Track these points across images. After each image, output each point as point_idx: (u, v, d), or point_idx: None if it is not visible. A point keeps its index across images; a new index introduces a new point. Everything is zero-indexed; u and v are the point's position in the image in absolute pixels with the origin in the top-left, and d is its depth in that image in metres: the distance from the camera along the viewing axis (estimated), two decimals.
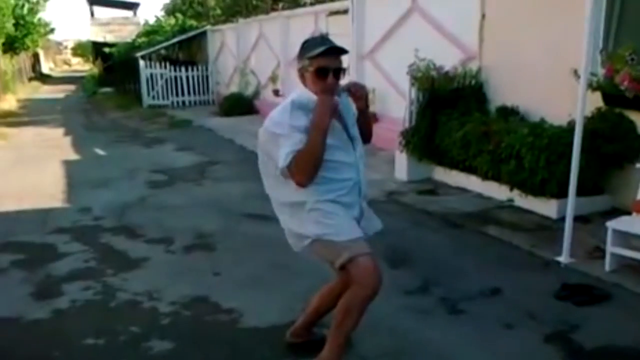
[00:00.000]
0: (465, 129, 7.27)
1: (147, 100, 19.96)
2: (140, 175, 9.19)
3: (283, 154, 2.84)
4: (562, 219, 5.35)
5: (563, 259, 5.07)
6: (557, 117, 6.49)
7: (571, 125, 5.80)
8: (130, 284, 4.83)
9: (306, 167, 2.84)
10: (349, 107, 3.14)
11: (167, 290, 4.67)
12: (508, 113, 7.49)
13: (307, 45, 3.00)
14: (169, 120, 16.54)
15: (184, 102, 20.34)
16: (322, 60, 2.90)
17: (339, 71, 2.95)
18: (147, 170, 9.49)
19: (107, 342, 3.89)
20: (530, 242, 5.58)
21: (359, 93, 3.06)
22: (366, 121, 3.27)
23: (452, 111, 7.77)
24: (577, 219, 5.36)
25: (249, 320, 4.11)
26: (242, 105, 17.00)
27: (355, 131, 3.14)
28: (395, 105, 10.11)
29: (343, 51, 2.98)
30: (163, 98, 20.13)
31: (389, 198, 7.38)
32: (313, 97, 2.92)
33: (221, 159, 10.39)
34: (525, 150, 6.22)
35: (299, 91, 3.03)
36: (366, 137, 3.28)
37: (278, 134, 2.88)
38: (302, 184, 2.89)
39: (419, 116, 8.02)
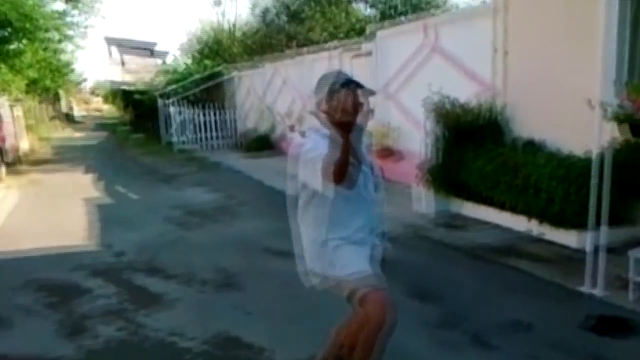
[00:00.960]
0: (481, 160, 7.15)
1: (177, 145, 20.10)
2: (174, 216, 9.12)
3: (314, 169, 2.87)
4: (583, 250, 5.18)
5: (586, 289, 4.90)
6: (574, 147, 6.35)
7: (588, 156, 5.67)
8: (162, 324, 4.73)
9: (336, 170, 2.77)
10: (363, 141, 3.11)
11: (199, 330, 4.55)
12: (524, 144, 7.36)
13: (324, 79, 3.00)
14: (200, 162, 16.60)
15: (212, 145, 20.43)
16: (340, 93, 2.90)
17: (356, 105, 2.93)
18: (180, 212, 9.42)
19: None
20: (552, 272, 5.43)
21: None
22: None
23: (468, 143, 7.66)
24: (599, 249, 5.19)
25: (279, 357, 4.01)
26: (268, 146, 17.11)
27: (375, 172, 3.13)
28: (419, 141, 10.03)
29: (360, 85, 2.96)
30: (193, 142, 20.25)
31: (407, 231, 7.24)
32: (325, 129, 2.95)
33: (250, 199, 10.34)
34: (543, 181, 6.08)
35: (317, 123, 3.06)
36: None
37: (306, 159, 2.92)
38: (337, 183, 2.83)
39: (442, 150, 7.90)
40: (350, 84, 2.93)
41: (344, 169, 2.76)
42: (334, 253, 3.00)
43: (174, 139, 20.10)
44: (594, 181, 4.80)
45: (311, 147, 2.91)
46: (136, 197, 11.37)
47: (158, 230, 8.06)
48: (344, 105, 2.86)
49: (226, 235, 7.67)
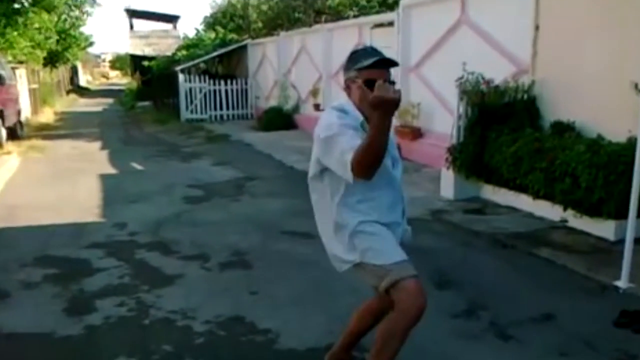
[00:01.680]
0: (516, 145, 7.17)
1: (185, 114, 20.28)
2: (177, 190, 9.31)
3: (342, 153, 2.78)
4: (620, 241, 5.22)
5: (622, 283, 4.93)
6: (616, 133, 6.35)
7: (631, 142, 5.67)
8: (164, 301, 4.88)
9: (369, 161, 2.69)
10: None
11: (202, 308, 4.70)
12: (563, 129, 7.36)
13: (355, 56, 2.99)
14: (207, 134, 16.76)
15: (222, 117, 20.61)
16: (372, 72, 2.88)
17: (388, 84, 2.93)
18: (184, 185, 9.61)
19: None
20: (585, 265, 5.45)
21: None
22: None
23: (503, 127, 7.67)
24: (637, 241, 5.22)
25: (286, 342, 4.11)
26: (281, 120, 17.14)
27: (394, 149, 3.13)
28: (441, 120, 10.05)
29: (393, 63, 2.96)
30: (201, 112, 20.44)
31: (434, 217, 7.30)
32: (352, 108, 2.97)
33: (259, 174, 10.46)
34: (582, 168, 6.10)
35: (342, 101, 3.05)
36: None
37: (331, 135, 2.85)
38: (363, 177, 2.77)
39: (468, 132, 7.95)
40: (383, 65, 2.91)
41: (379, 161, 2.70)
42: (364, 238, 2.99)
43: (195, 115, 20.25)
44: (638, 169, 4.80)
45: (338, 132, 2.84)
46: (149, 172, 11.52)
47: (173, 208, 8.21)
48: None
49: (241, 213, 7.79)
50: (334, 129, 2.85)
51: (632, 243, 4.92)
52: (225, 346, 4.10)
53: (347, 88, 3.02)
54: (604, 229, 6.13)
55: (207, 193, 9.10)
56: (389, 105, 2.58)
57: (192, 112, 20.41)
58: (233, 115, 20.76)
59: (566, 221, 6.56)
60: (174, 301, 4.87)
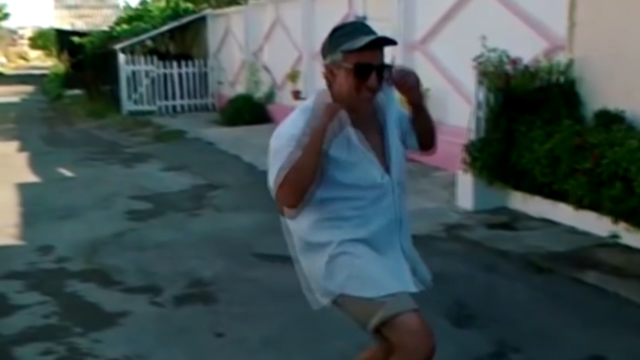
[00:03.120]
0: (552, 141, 7.18)
1: (127, 105, 20.19)
2: (118, 203, 9.25)
3: (274, 170, 2.88)
4: None
5: None
6: None
7: None
8: (104, 347, 4.80)
9: (287, 185, 2.83)
10: (394, 107, 3.14)
11: (153, 356, 4.64)
12: (610, 120, 7.38)
13: (340, 34, 2.91)
14: (156, 131, 16.70)
15: (175, 108, 20.54)
16: (364, 54, 2.83)
17: (383, 69, 2.90)
18: (127, 197, 9.55)
19: None
20: None
21: (405, 82, 2.99)
22: (425, 121, 3.22)
23: (534, 118, 7.68)
24: None
25: None
26: (251, 112, 17.10)
27: (396, 144, 3.11)
28: (456, 110, 10.06)
29: (391, 42, 2.93)
30: (148, 102, 20.35)
31: (449, 234, 7.29)
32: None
33: (224, 182, 10.42)
34: (636, 170, 6.11)
35: (320, 94, 3.03)
36: (428, 142, 3.28)
37: (277, 148, 2.91)
38: (285, 203, 2.91)
39: (490, 125, 7.95)
40: (379, 46, 2.89)
41: (301, 187, 2.83)
42: (346, 262, 2.96)
43: (140, 106, 20.15)
44: None
45: (285, 145, 2.89)
46: (81, 180, 11.44)
47: (112, 225, 8.15)
48: (367, 82, 2.84)
49: (202, 232, 7.77)
50: (281, 140, 2.91)
51: None
52: None
53: (331, 75, 2.95)
54: None
55: (157, 206, 9.04)
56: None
57: (136, 102, 20.33)
58: (189, 106, 20.70)
59: (617, 237, 6.58)
60: (116, 347, 4.80)
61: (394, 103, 3.14)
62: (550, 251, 6.56)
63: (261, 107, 17.45)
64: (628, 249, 6.45)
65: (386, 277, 2.93)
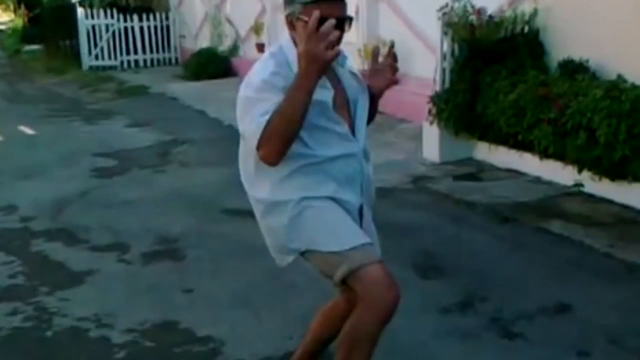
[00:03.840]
0: (517, 91, 7.22)
1: (88, 60, 19.90)
2: (82, 160, 9.18)
3: (253, 118, 2.80)
4: None
5: None
6: None
7: None
8: (71, 306, 4.81)
9: (275, 137, 2.76)
10: (354, 77, 3.12)
11: (122, 313, 4.66)
12: (574, 69, 7.43)
13: None
14: (118, 86, 16.50)
15: (137, 62, 20.27)
16: (322, 6, 2.72)
17: (344, 21, 2.81)
18: (91, 154, 9.47)
19: None
20: (607, 240, 5.57)
21: (385, 78, 3.07)
22: (374, 110, 3.23)
23: (500, 68, 7.70)
24: None
25: (232, 352, 4.10)
26: (215, 65, 16.92)
27: (360, 108, 3.09)
28: (422, 61, 10.04)
29: None
30: (109, 57, 20.07)
31: (416, 186, 7.34)
32: (294, 55, 2.83)
33: (190, 137, 10.36)
34: (600, 119, 6.18)
35: (284, 42, 2.99)
36: (371, 117, 3.24)
37: (249, 96, 2.85)
38: (269, 159, 2.85)
39: (455, 76, 7.97)
40: None
41: (289, 137, 2.78)
42: (310, 218, 2.95)
43: (101, 61, 19.85)
44: None
45: (258, 94, 2.82)
46: (43, 138, 11.31)
47: (77, 183, 8.09)
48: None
49: (169, 188, 7.75)
50: (253, 87, 2.84)
51: None
52: None
53: (291, 27, 2.92)
54: (628, 194, 6.26)
55: (121, 163, 8.99)
56: (318, 62, 2.66)
57: (97, 57, 20.01)
58: (152, 61, 20.44)
59: (582, 186, 6.67)
60: (84, 305, 4.80)
61: (355, 76, 3.14)
62: (516, 201, 6.64)
63: (225, 60, 17.28)
64: (592, 197, 6.55)
65: (350, 230, 2.95)
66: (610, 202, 6.39)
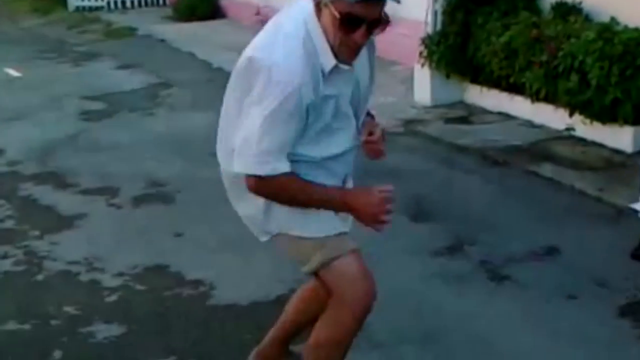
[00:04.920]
0: (509, 33, 7.18)
1: (74, 0, 19.63)
2: (70, 103, 9.09)
3: (264, 145, 2.48)
4: None
5: None
6: (633, 15, 6.41)
7: None
8: (62, 250, 4.84)
9: (273, 194, 2.63)
10: (366, 67, 2.81)
11: (112, 257, 4.69)
12: (567, 11, 7.39)
13: None
14: (106, 27, 16.28)
15: (124, 3, 19.99)
16: (358, 5, 2.37)
17: (376, 24, 2.46)
18: (79, 97, 9.38)
19: (34, 327, 3.93)
20: (597, 184, 5.61)
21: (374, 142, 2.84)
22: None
23: (492, 9, 7.65)
24: None
25: (223, 295, 4.15)
26: (205, 6, 16.69)
27: (363, 103, 2.82)
28: (414, 3, 9.93)
29: None
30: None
31: (406, 129, 7.34)
32: (322, 42, 2.48)
33: (179, 79, 10.26)
34: (592, 62, 6.16)
35: (311, 25, 2.52)
36: None
37: (270, 106, 2.44)
38: (253, 191, 2.65)
39: (447, 18, 7.91)
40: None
41: (291, 204, 2.69)
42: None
43: (88, 2, 19.54)
44: None
45: (278, 111, 2.44)
46: (29, 80, 11.21)
47: (65, 127, 8.04)
48: (353, 36, 2.42)
49: (158, 132, 7.73)
50: (276, 98, 2.42)
51: None
52: (145, 303, 4.13)
53: (317, 9, 2.49)
54: (619, 138, 6.28)
55: (110, 106, 8.91)
56: (369, 219, 2.67)
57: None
58: (140, 1, 20.12)
59: (573, 129, 6.68)
60: (74, 249, 4.84)
61: (367, 64, 2.82)
62: (506, 145, 6.65)
63: (214, 2, 17.05)
64: (583, 141, 6.56)
65: (327, 217, 2.73)
66: (601, 145, 6.40)
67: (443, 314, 3.91)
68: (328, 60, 2.49)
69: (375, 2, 2.39)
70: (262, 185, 2.56)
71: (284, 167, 2.51)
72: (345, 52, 2.49)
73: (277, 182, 2.53)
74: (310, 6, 2.52)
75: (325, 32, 2.47)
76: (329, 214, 2.74)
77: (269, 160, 2.48)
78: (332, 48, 2.48)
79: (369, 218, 2.65)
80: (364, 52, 2.63)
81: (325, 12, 2.44)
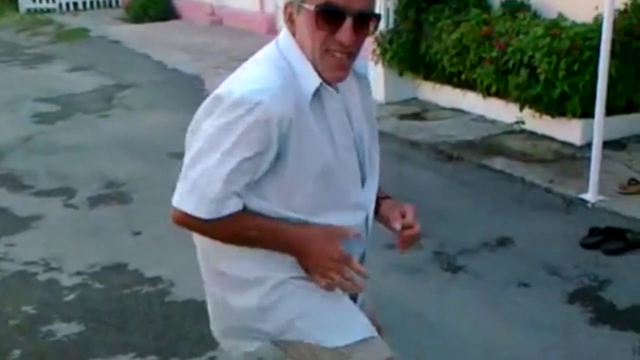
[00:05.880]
0: (460, 30, 7.28)
1: (25, 2, 19.40)
2: (23, 106, 9.04)
3: (211, 174, 1.93)
4: (589, 146, 5.47)
5: (590, 196, 5.21)
6: (579, 11, 6.54)
7: (598, 22, 5.87)
8: (18, 251, 4.82)
9: (220, 235, 2.05)
10: (370, 103, 2.27)
11: (70, 256, 4.69)
12: (516, 8, 7.50)
13: None
14: (58, 29, 16.14)
15: (76, 5, 19.82)
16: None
17: (364, 19, 1.95)
18: (33, 99, 9.32)
19: None
20: (547, 176, 5.72)
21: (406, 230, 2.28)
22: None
23: (443, 7, 7.75)
24: (608, 144, 5.53)
25: (181, 292, 4.17)
26: (157, 7, 16.63)
27: (374, 152, 2.35)
28: None
29: None
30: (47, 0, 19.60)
31: None
32: (302, 62, 1.98)
33: (134, 81, 10.24)
34: (540, 57, 6.28)
35: (283, 45, 2.03)
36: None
37: (224, 125, 1.90)
38: (189, 229, 2.12)
39: (399, 15, 7.99)
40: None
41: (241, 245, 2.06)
42: (299, 295, 2.08)
43: (39, 4, 19.31)
44: (604, 54, 5.00)
45: (258, 123, 1.87)
46: None
47: (19, 129, 7.99)
48: (336, 34, 1.92)
49: (114, 133, 7.70)
50: (237, 112, 1.87)
51: (600, 147, 5.18)
52: (104, 301, 4.13)
53: (291, 23, 2.01)
54: (568, 131, 6.42)
55: (64, 108, 8.87)
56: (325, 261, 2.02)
57: (34, 0, 19.54)
58: (92, 3, 20.00)
59: (523, 123, 6.79)
60: (31, 250, 4.82)
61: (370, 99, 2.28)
62: (459, 140, 6.76)
63: (167, 2, 16.99)
64: (533, 134, 6.69)
65: (354, 316, 2.16)
66: (551, 138, 6.55)
67: (400, 304, 3.97)
68: (310, 81, 1.97)
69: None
70: (208, 230, 2.04)
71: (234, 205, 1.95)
72: (331, 64, 1.95)
73: (224, 225, 1.99)
74: (282, 32, 2.07)
75: (302, 48, 1.98)
76: (355, 311, 2.18)
77: (219, 197, 1.93)
78: (314, 67, 1.97)
79: (315, 269, 2.04)
80: (354, 91, 2.14)
81: (299, 20, 1.97)
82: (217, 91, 1.96)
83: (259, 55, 2.06)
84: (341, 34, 1.90)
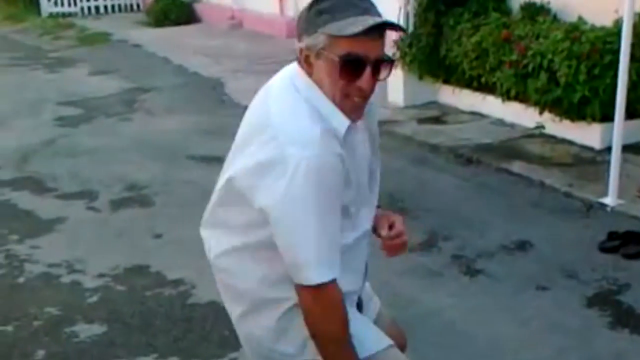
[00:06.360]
0: (480, 34, 7.31)
1: (47, 7, 19.54)
2: (46, 109, 9.12)
3: (318, 244, 2.01)
4: (608, 150, 5.49)
5: (609, 200, 5.21)
6: (600, 15, 6.54)
7: (619, 26, 5.87)
8: (42, 253, 4.89)
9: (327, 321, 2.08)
10: (374, 121, 2.39)
11: (93, 259, 4.74)
12: (536, 11, 7.51)
13: (325, 7, 2.00)
14: (80, 33, 16.25)
15: (98, 9, 19.94)
16: (357, 42, 1.96)
17: (380, 64, 2.03)
18: (55, 103, 9.41)
19: (17, 328, 3.97)
20: (567, 180, 5.73)
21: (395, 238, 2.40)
22: None
23: (463, 10, 7.77)
24: (627, 148, 5.53)
25: (203, 294, 4.21)
26: (178, 11, 16.71)
27: (376, 167, 2.45)
28: (385, 5, 10.02)
29: (397, 27, 2.15)
30: (69, 4, 19.72)
31: (381, 129, 7.20)
32: (328, 104, 2.03)
33: (154, 84, 10.30)
34: (560, 60, 6.29)
35: (303, 88, 2.07)
36: None
37: (311, 193, 1.96)
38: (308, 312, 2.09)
39: (419, 19, 8.02)
40: (377, 31, 1.98)
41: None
42: None
43: (61, 8, 19.44)
44: (624, 59, 5.01)
45: (325, 202, 2.00)
46: (4, 87, 11.18)
47: (42, 133, 8.06)
48: (357, 82, 2.00)
49: (135, 136, 7.77)
50: (313, 178, 1.94)
51: (620, 151, 5.18)
52: (127, 304, 4.18)
53: (307, 64, 2.06)
54: (588, 135, 6.41)
55: (86, 112, 8.95)
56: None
57: (56, 4, 19.64)
58: (113, 7, 20.12)
59: (543, 127, 6.81)
60: (55, 252, 4.89)
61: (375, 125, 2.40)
62: (478, 143, 6.77)
63: (188, 6, 17.09)
64: (553, 138, 6.69)
65: (373, 330, 2.29)
66: (571, 142, 6.54)
67: (418, 307, 4.01)
68: (340, 121, 2.03)
69: (377, 34, 1.99)
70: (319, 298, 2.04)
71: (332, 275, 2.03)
72: (349, 108, 2.03)
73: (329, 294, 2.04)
74: (292, 70, 2.14)
75: (321, 88, 2.04)
76: (372, 325, 2.33)
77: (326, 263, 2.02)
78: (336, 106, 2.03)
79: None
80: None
81: (318, 65, 2.02)
82: (268, 157, 2.02)
83: (284, 105, 2.08)
84: (362, 81, 1.99)
